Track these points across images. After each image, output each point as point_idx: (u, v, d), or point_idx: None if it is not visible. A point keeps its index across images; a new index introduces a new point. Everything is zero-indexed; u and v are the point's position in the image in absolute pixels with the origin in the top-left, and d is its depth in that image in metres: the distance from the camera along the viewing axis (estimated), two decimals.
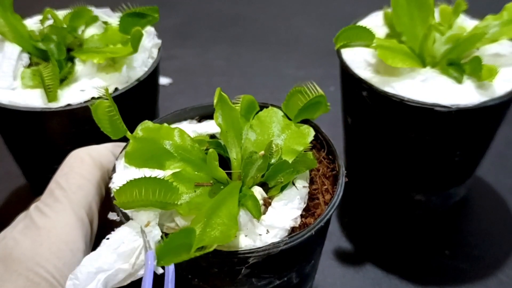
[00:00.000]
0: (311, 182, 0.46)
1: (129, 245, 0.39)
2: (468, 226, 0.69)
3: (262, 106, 0.51)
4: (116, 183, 0.44)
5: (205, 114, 0.53)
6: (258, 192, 0.44)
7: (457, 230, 0.68)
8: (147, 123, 0.47)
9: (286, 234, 0.41)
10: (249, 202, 0.41)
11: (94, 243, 0.47)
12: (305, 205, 0.44)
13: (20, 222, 0.45)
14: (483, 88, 0.58)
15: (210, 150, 0.44)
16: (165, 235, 0.40)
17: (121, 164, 0.46)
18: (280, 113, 0.50)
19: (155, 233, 0.40)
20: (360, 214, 0.71)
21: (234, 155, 0.46)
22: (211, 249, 0.36)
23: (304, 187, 0.45)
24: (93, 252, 0.39)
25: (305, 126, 0.49)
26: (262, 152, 0.44)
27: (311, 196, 0.45)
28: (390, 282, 0.62)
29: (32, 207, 0.46)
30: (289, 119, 0.50)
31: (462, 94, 0.57)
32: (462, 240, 0.67)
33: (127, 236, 0.39)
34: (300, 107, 0.49)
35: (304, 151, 0.45)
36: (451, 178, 0.67)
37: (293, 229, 0.41)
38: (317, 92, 0.49)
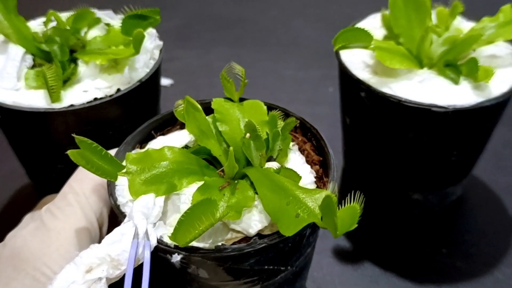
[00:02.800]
0: None
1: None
2: (465, 225, 0.69)
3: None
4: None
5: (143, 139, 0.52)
6: (274, 165, 0.46)
7: (454, 229, 0.69)
8: (130, 155, 0.44)
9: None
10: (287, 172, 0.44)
11: None
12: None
13: (30, 223, 0.46)
14: (479, 89, 0.58)
15: (230, 149, 0.44)
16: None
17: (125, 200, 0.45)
18: (228, 102, 0.51)
19: (142, 228, 0.40)
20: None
21: (220, 151, 0.48)
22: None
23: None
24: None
25: (250, 101, 0.51)
26: (248, 134, 0.45)
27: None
28: (388, 280, 0.62)
29: (44, 208, 0.47)
30: None
31: (459, 95, 0.58)
32: (459, 239, 0.67)
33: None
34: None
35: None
36: (448, 178, 0.67)
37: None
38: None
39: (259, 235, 0.42)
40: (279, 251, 0.43)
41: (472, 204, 0.72)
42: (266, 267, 0.43)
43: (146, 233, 0.40)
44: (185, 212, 0.39)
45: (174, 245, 0.40)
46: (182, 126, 0.53)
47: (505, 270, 0.63)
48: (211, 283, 0.44)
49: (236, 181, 0.44)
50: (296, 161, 0.48)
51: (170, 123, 0.54)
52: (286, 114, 0.51)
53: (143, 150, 0.46)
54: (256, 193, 0.43)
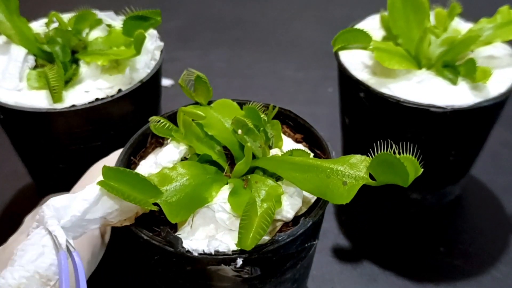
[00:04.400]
0: None
1: None
2: (463, 224, 0.70)
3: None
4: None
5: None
6: (277, 151, 0.48)
7: (452, 228, 0.69)
8: (153, 180, 0.42)
9: None
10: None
11: (105, 253, 0.48)
12: None
13: (30, 227, 0.46)
14: (477, 89, 0.59)
15: (247, 145, 0.45)
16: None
17: None
18: (199, 107, 0.51)
19: (61, 234, 0.38)
20: (357, 212, 0.71)
21: (217, 155, 0.48)
22: None
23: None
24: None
25: (218, 101, 0.52)
26: (240, 130, 0.46)
27: None
28: (386, 278, 0.63)
29: None
30: None
31: (457, 95, 0.58)
32: (457, 238, 0.68)
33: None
34: None
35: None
36: (446, 177, 0.68)
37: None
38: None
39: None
40: (316, 226, 0.45)
41: (470, 203, 0.73)
42: (306, 244, 0.45)
43: (68, 242, 0.37)
44: (243, 217, 0.39)
45: (233, 251, 0.40)
46: (157, 143, 0.52)
47: (503, 269, 0.63)
48: (261, 279, 0.44)
49: (248, 176, 0.45)
50: (288, 143, 0.50)
51: (143, 145, 0.52)
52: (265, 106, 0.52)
53: (157, 172, 0.44)
54: (277, 179, 0.45)
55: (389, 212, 0.71)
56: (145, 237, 0.41)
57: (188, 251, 0.40)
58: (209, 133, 0.48)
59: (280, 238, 0.41)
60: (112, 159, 0.50)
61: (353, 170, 0.41)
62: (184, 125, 0.47)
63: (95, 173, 0.49)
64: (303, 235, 0.42)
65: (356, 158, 0.42)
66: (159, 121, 0.47)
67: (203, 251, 0.40)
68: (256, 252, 0.40)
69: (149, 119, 0.48)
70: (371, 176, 0.41)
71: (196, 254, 0.40)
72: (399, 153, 0.39)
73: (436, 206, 0.71)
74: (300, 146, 0.49)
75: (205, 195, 0.43)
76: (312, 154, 0.48)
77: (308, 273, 0.53)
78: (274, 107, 0.51)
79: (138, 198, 0.39)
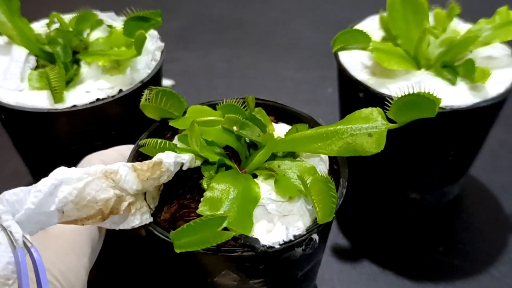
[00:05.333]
0: None
1: None
2: (462, 224, 0.70)
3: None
4: None
5: None
6: (279, 133, 0.49)
7: (451, 227, 0.69)
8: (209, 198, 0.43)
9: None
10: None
11: (102, 247, 0.49)
12: None
13: None
14: (476, 89, 0.59)
15: (267, 133, 0.47)
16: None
17: None
18: (182, 118, 0.51)
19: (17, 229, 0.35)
20: (357, 212, 0.72)
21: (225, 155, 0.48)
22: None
23: None
24: None
25: (190, 109, 0.51)
26: (235, 127, 0.47)
27: None
28: (386, 278, 0.63)
29: None
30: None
31: (456, 95, 0.58)
32: (456, 237, 0.68)
33: None
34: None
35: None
36: (445, 177, 0.68)
37: None
38: None
39: None
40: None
41: (468, 203, 0.73)
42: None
43: (24, 237, 0.35)
44: (312, 195, 0.41)
45: (307, 230, 0.42)
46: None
47: (501, 268, 0.64)
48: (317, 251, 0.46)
49: (265, 165, 0.46)
50: (279, 127, 0.51)
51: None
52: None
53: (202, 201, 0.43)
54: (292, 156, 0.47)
55: (388, 211, 0.72)
56: (236, 254, 0.40)
57: (270, 246, 0.41)
58: (208, 139, 0.48)
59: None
60: (108, 153, 0.50)
61: (371, 122, 0.44)
62: (196, 138, 0.45)
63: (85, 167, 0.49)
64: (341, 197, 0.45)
65: (365, 112, 0.45)
66: (147, 143, 0.46)
67: (283, 240, 0.41)
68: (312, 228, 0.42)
69: (139, 143, 0.48)
70: (390, 120, 0.44)
71: (278, 246, 0.41)
72: None
73: (435, 206, 0.71)
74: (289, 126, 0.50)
75: (254, 195, 0.43)
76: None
77: None
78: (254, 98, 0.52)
79: (213, 238, 0.39)
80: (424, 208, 0.71)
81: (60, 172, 0.39)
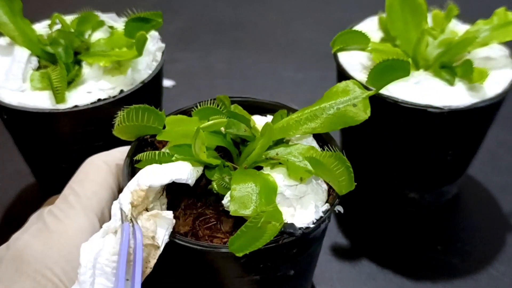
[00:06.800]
0: None
1: None
2: (460, 223, 0.70)
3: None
4: None
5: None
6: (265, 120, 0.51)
7: (449, 227, 0.70)
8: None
9: None
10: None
11: None
12: None
13: (33, 225, 0.46)
14: (474, 90, 0.59)
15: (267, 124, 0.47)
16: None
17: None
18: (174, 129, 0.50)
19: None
20: (356, 211, 0.72)
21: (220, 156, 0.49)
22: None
23: None
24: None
25: (169, 119, 0.50)
26: (222, 128, 0.48)
27: None
28: (384, 277, 0.63)
29: (46, 211, 0.47)
30: None
31: (454, 96, 0.58)
32: (454, 236, 0.68)
33: None
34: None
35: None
36: (444, 177, 0.68)
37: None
38: None
39: None
40: None
41: (467, 202, 0.73)
42: None
43: (133, 216, 0.39)
44: (330, 170, 0.43)
45: (331, 205, 0.44)
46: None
47: (499, 267, 0.64)
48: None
49: (263, 156, 0.47)
50: (257, 119, 0.53)
51: None
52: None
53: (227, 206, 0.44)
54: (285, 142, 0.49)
55: (387, 211, 0.72)
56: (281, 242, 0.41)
57: (306, 227, 0.42)
58: (208, 146, 0.48)
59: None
60: (110, 154, 0.50)
61: (350, 94, 0.47)
62: (202, 145, 0.45)
63: (88, 167, 0.50)
64: None
65: (340, 86, 0.48)
66: (143, 157, 0.46)
67: (315, 219, 0.43)
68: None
69: (135, 158, 0.47)
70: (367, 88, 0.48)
71: (312, 225, 0.42)
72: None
73: (434, 205, 0.71)
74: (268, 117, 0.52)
75: (272, 186, 0.44)
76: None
77: None
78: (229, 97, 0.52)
79: (267, 234, 0.40)
80: (422, 207, 0.71)
81: None
